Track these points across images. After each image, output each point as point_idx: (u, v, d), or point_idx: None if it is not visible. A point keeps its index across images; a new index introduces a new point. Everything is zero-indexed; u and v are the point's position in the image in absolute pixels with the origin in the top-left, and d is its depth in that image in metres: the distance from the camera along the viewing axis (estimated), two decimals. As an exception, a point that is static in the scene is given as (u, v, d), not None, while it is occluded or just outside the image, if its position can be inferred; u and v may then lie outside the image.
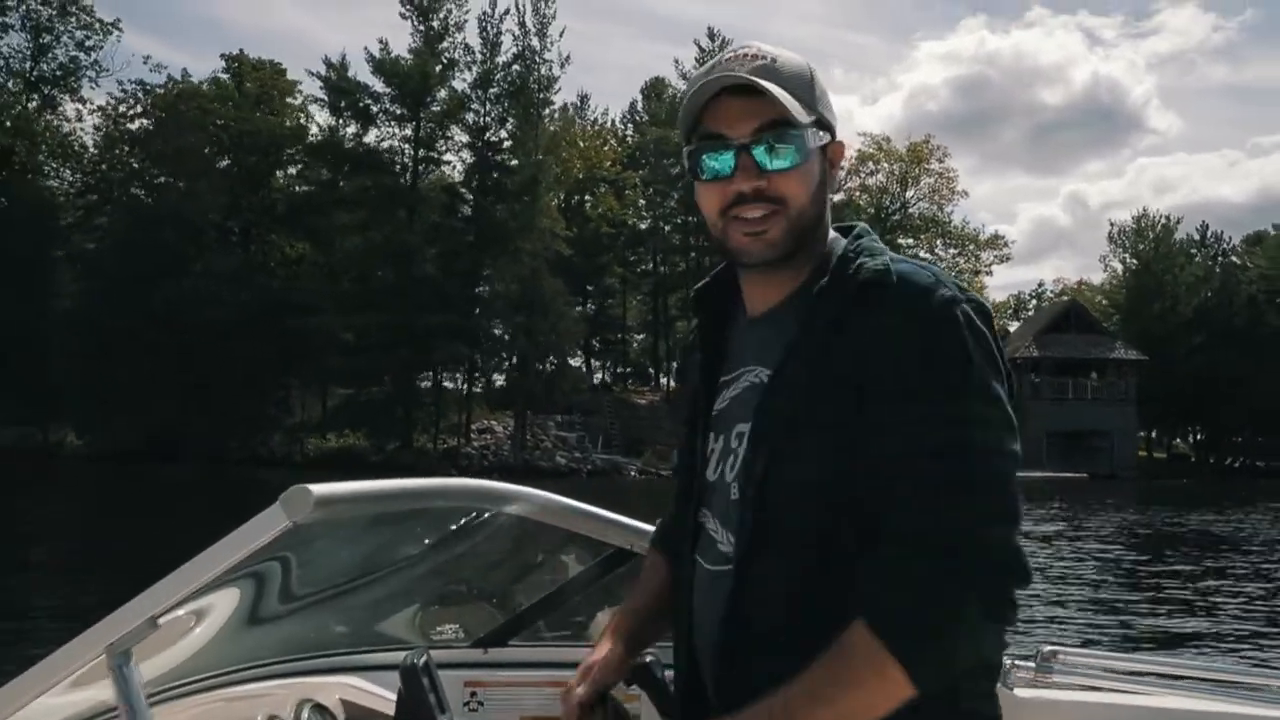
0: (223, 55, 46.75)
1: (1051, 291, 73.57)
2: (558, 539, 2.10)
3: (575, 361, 54.68)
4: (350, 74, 43.50)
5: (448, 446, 42.66)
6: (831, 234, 1.32)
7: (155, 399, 38.89)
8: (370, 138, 44.68)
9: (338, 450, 41.62)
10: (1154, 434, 59.25)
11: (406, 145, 44.18)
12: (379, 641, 2.26)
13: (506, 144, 44.30)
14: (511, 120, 43.54)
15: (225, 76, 46.78)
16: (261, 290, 41.70)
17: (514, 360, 45.54)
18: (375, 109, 43.42)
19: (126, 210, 41.39)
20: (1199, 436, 60.38)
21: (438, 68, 42.68)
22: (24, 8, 43.97)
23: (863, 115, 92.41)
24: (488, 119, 44.16)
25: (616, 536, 2.00)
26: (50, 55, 45.63)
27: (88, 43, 45.99)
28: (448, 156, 45.39)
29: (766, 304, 1.32)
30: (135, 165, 43.06)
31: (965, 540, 1.09)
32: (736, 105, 1.23)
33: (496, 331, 44.10)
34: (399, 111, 43.24)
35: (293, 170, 48.16)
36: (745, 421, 1.28)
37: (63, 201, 43.60)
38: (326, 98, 43.94)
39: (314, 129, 46.74)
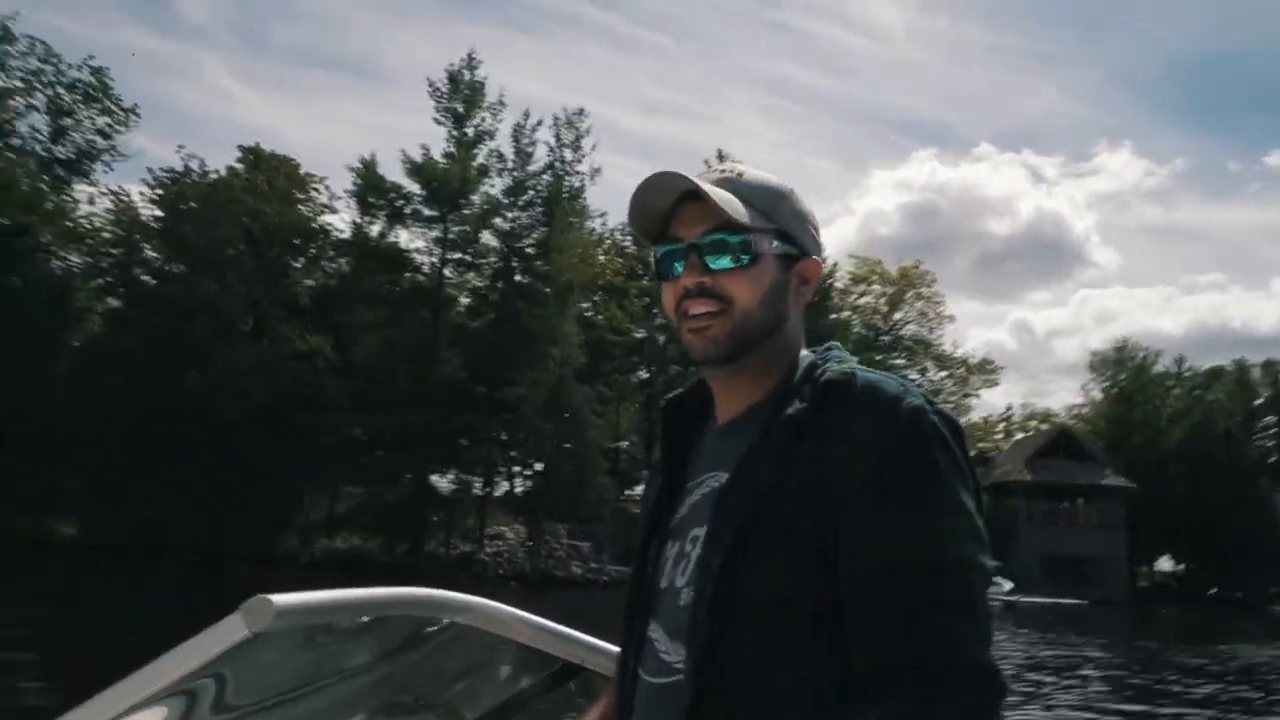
0: (240, 146, 46.64)
1: (1019, 415, 75.29)
2: (509, 651, 2.03)
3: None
4: (380, 173, 43.77)
5: (460, 552, 41.51)
6: (804, 351, 1.33)
7: (162, 493, 37.42)
8: (397, 238, 44.74)
9: (345, 552, 40.21)
10: (1138, 561, 60.35)
11: (436, 246, 44.26)
12: None
13: (533, 249, 44.59)
14: (543, 227, 43.95)
15: (240, 168, 46.55)
16: (274, 385, 40.66)
17: (534, 468, 44.89)
18: (407, 210, 43.52)
19: (152, 299, 40.38)
20: (1181, 565, 61.62)
21: (472, 172, 43.10)
22: (52, 90, 43.67)
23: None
24: (517, 225, 44.54)
25: (566, 650, 1.94)
26: (67, 138, 45.20)
27: (107, 128, 45.73)
28: (477, 261, 45.47)
29: (732, 412, 1.32)
30: (161, 254, 42.27)
31: (950, 666, 1.05)
32: (691, 210, 1.27)
33: (523, 436, 43.46)
34: (429, 213, 43.40)
35: (300, 263, 47.61)
36: (702, 526, 1.25)
37: (75, 286, 42.36)
38: (356, 194, 43.94)
39: (336, 224, 46.60)
